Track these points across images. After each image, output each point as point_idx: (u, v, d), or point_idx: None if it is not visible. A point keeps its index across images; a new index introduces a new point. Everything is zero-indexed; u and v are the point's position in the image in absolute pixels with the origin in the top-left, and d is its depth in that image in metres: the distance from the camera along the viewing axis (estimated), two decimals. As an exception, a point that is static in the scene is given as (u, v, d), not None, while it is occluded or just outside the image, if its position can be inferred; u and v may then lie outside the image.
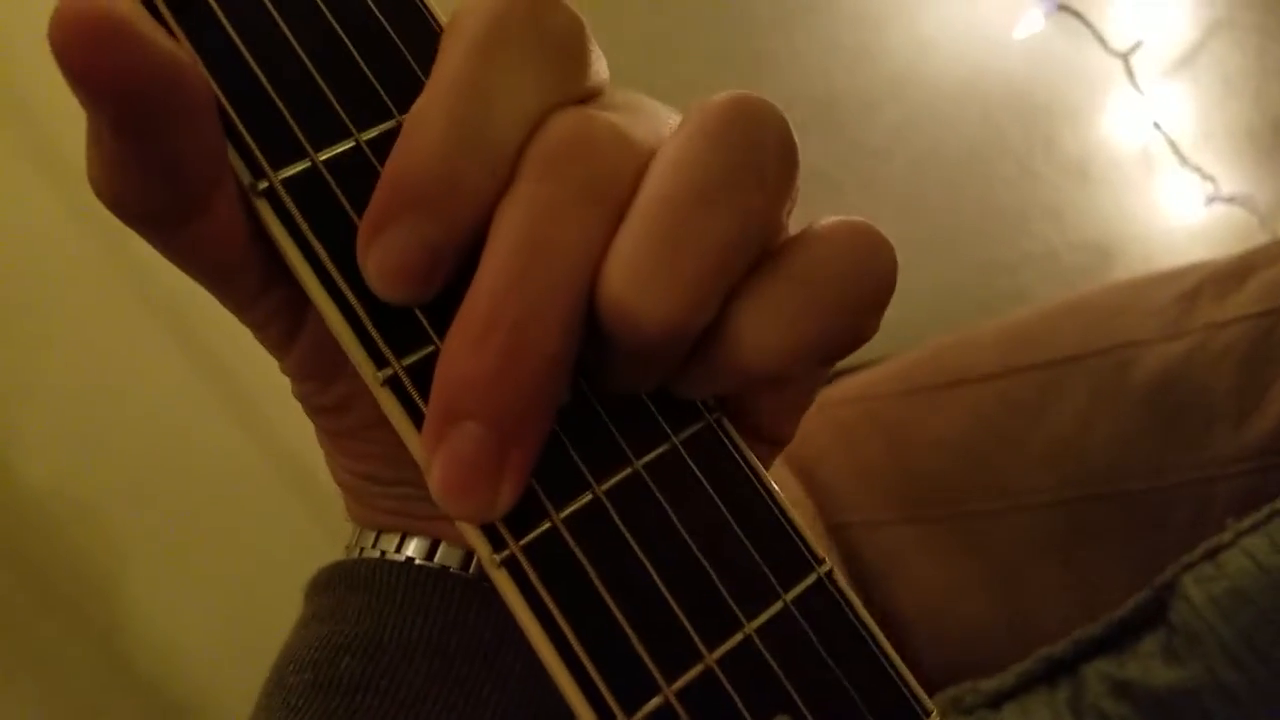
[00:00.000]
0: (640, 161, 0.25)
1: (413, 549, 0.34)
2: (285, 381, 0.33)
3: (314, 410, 0.34)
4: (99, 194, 0.26)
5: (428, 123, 0.24)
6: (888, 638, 0.27)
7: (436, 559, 0.34)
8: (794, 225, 0.27)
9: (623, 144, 0.25)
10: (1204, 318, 0.75)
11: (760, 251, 0.25)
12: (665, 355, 0.25)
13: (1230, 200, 1.08)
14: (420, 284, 0.24)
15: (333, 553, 0.36)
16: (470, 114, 0.24)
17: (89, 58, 0.22)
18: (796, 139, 0.26)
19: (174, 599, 0.97)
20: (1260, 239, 1.07)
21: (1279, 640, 0.57)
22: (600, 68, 0.27)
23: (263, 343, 0.32)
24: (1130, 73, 1.07)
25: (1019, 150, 1.16)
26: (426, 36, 0.27)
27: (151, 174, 0.25)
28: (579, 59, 0.26)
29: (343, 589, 0.35)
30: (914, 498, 0.80)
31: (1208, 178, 1.09)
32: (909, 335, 0.75)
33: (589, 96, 0.27)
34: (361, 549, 0.35)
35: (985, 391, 0.80)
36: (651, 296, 0.23)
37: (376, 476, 0.34)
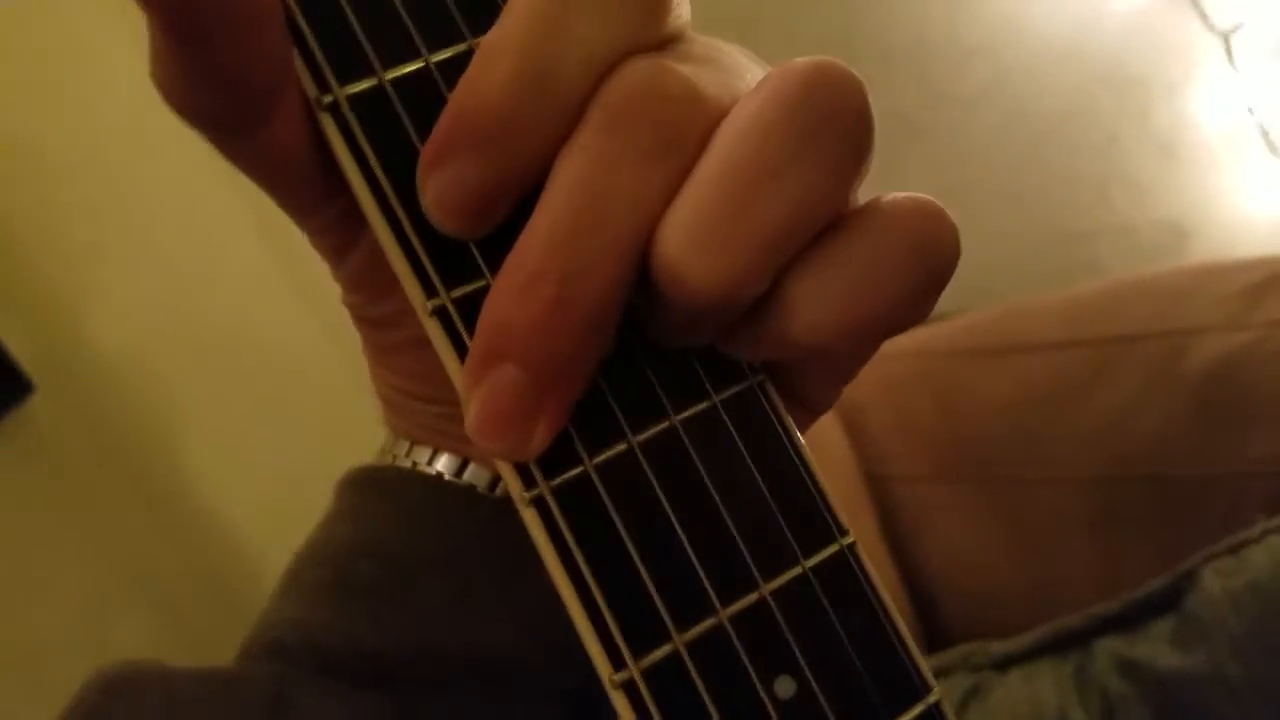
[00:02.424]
0: (711, 120, 0.24)
1: (442, 464, 0.34)
2: None
3: (362, 321, 0.34)
4: (163, 92, 0.26)
5: (498, 57, 0.23)
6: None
7: (465, 477, 0.34)
8: (873, 170, 0.26)
9: (695, 100, 0.24)
10: (1267, 314, 0.74)
11: (824, 224, 0.24)
12: (715, 318, 0.25)
13: (1316, 194, 1.06)
14: (475, 220, 0.24)
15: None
16: (543, 53, 0.23)
17: None
18: (873, 112, 0.24)
19: (230, 473, 1.00)
20: (1340, 238, 1.06)
21: (1288, 640, 0.58)
22: (683, 10, 0.26)
23: (318, 249, 0.32)
24: (1229, 53, 1.05)
25: (1108, 119, 1.14)
26: None
27: (211, 79, 0.25)
28: (660, 1, 0.25)
29: (370, 493, 0.35)
30: (955, 458, 0.81)
31: (1296, 168, 1.07)
32: (976, 294, 0.75)
33: (668, 41, 0.25)
34: (394, 456, 0.35)
35: (1039, 362, 0.80)
36: (706, 263, 0.23)
37: (416, 393, 0.34)
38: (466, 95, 0.24)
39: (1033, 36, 1.13)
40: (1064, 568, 0.77)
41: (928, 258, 0.25)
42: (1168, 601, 0.63)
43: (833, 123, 0.24)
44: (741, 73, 0.26)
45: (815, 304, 0.24)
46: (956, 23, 1.16)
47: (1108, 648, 0.64)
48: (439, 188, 0.23)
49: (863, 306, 0.24)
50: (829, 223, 0.24)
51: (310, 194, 0.29)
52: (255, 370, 1.02)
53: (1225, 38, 1.05)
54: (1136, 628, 0.63)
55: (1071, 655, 0.65)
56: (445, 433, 0.34)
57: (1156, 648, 0.61)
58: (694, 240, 0.23)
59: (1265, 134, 1.06)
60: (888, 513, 0.82)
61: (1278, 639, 0.58)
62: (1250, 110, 1.06)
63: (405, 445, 0.35)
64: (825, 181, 0.24)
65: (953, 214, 0.25)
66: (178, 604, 0.96)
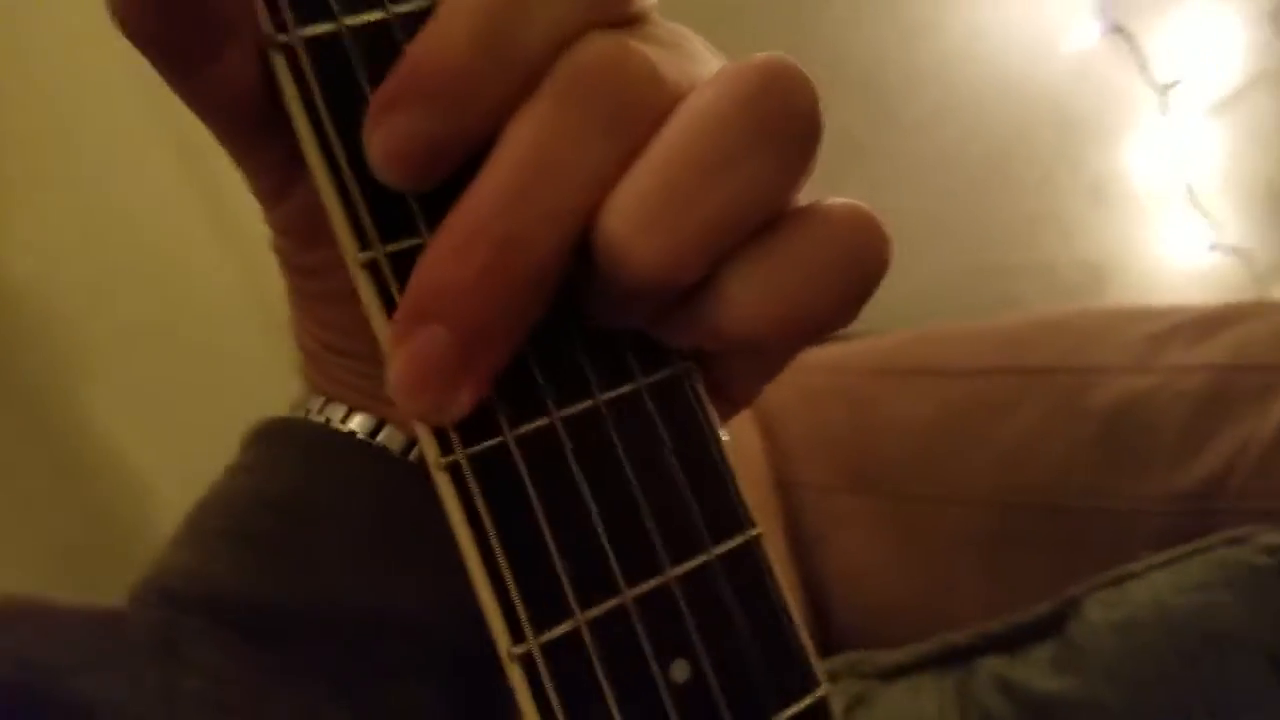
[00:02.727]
0: (667, 103, 0.24)
1: (356, 423, 0.34)
2: None
3: (290, 268, 0.33)
4: (113, 14, 0.25)
5: (461, 14, 0.23)
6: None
7: (379, 439, 0.34)
8: (811, 183, 0.27)
9: (653, 81, 0.24)
10: (1171, 359, 0.77)
11: (764, 220, 0.25)
12: (649, 300, 0.25)
13: (1231, 251, 1.10)
14: (418, 172, 0.23)
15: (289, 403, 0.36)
16: (506, 15, 0.23)
17: None
18: (823, 117, 0.25)
19: (133, 414, 0.98)
20: (1250, 294, 1.09)
21: (1159, 674, 0.60)
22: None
23: (253, 191, 0.31)
24: (1166, 107, 1.08)
25: (1044, 158, 1.17)
26: None
27: (170, 5, 0.25)
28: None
29: (279, 445, 0.35)
30: (864, 472, 0.83)
31: (1215, 224, 1.11)
32: (900, 316, 0.76)
33: (633, 20, 0.26)
34: (307, 410, 0.35)
35: (952, 386, 0.82)
36: (647, 243, 0.24)
37: (338, 346, 0.34)
38: (424, 48, 0.23)
39: (981, 71, 1.16)
40: (956, 586, 0.79)
41: (860, 263, 0.25)
42: (1051, 627, 0.65)
43: (784, 121, 0.24)
44: (702, 61, 0.26)
45: (748, 296, 0.25)
46: (910, 49, 1.19)
47: (990, 666, 0.66)
48: (386, 135, 0.23)
49: (794, 304, 0.25)
50: (770, 218, 0.25)
51: (252, 134, 0.28)
52: (168, 316, 1.00)
53: (1163, 91, 1.08)
54: (1019, 649, 0.66)
55: (955, 671, 0.67)
56: (363, 391, 0.34)
57: (1035, 670, 0.64)
58: (638, 218, 0.23)
59: (1190, 189, 1.10)
60: (793, 519, 0.83)
61: (1149, 672, 0.61)
62: (1179, 163, 1.10)
63: (319, 400, 0.35)
64: (771, 177, 0.24)
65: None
66: (72, 549, 0.94)
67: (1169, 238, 1.14)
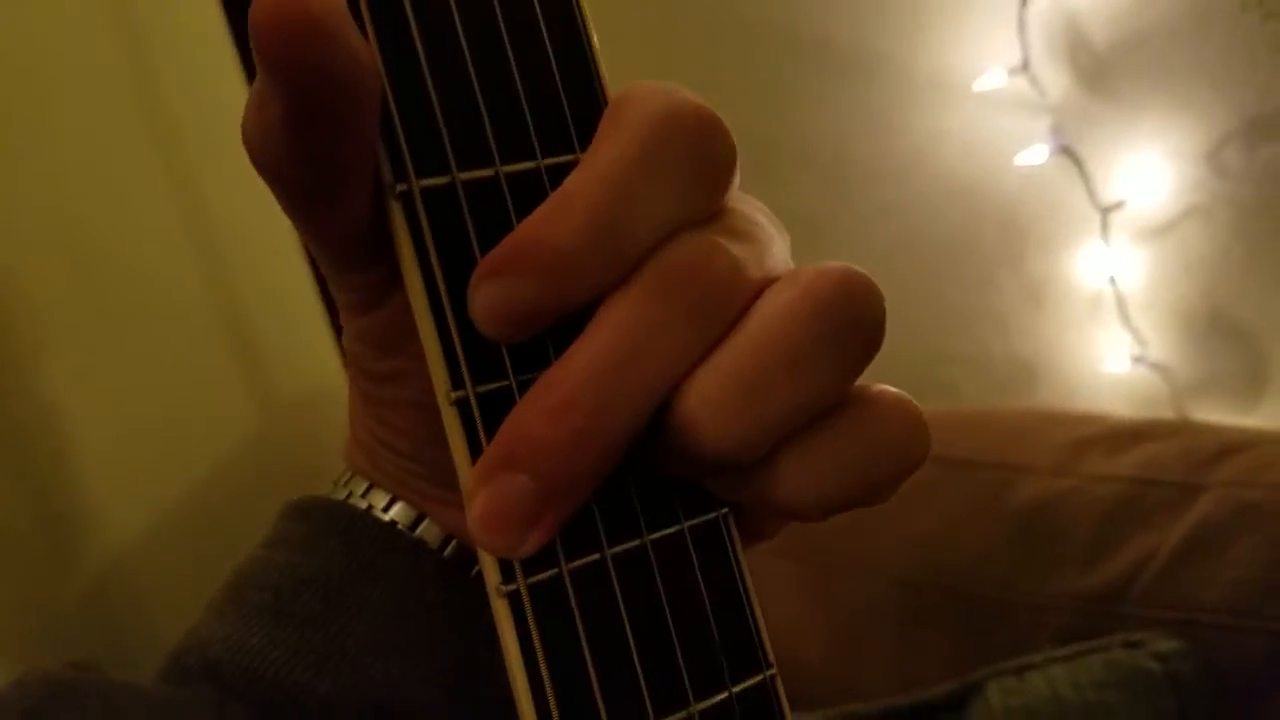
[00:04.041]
0: (748, 297, 0.26)
1: (397, 513, 0.36)
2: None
3: (360, 372, 0.35)
4: (249, 146, 0.27)
5: (576, 205, 0.25)
6: None
7: (418, 532, 0.36)
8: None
9: (737, 279, 0.26)
10: (1089, 467, 0.81)
11: (825, 409, 0.27)
12: (711, 469, 0.27)
13: (1153, 366, 1.15)
14: (516, 331, 0.25)
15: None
16: (616, 213, 0.25)
17: (285, 47, 0.23)
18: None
19: (89, 406, 0.97)
20: (1165, 411, 1.14)
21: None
22: (735, 186, 0.28)
23: (339, 301, 0.33)
24: (1105, 226, 1.13)
25: (989, 259, 1.22)
26: (588, 93, 0.28)
27: (304, 152, 0.26)
28: (724, 187, 0.27)
29: (322, 525, 0.37)
30: (795, 538, 0.86)
31: (1141, 340, 1.15)
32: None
33: (719, 213, 0.28)
34: (349, 493, 0.37)
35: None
36: (718, 426, 0.25)
37: (392, 445, 0.35)
38: (536, 229, 0.25)
39: (938, 173, 1.21)
40: (869, 659, 0.82)
41: (904, 454, 0.27)
42: (953, 706, 0.68)
43: (854, 328, 0.26)
44: (773, 249, 0.28)
45: (802, 479, 0.27)
46: (873, 144, 1.23)
47: (893, 738, 0.69)
48: (492, 295, 0.25)
49: (841, 486, 0.27)
50: (829, 408, 0.27)
51: (354, 259, 0.30)
52: (132, 312, 1.00)
53: (1105, 213, 1.13)
54: (922, 725, 0.69)
55: (861, 739, 0.70)
56: (408, 486, 0.36)
57: (936, 746, 0.67)
58: (714, 404, 0.25)
59: (1121, 303, 1.15)
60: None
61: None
62: (1113, 280, 1.15)
63: (363, 485, 0.37)
64: (837, 376, 0.26)
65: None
66: (14, 536, 0.94)
67: (1098, 348, 1.19)
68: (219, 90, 1.01)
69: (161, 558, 0.97)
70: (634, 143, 0.26)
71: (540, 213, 0.26)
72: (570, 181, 0.26)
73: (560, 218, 0.25)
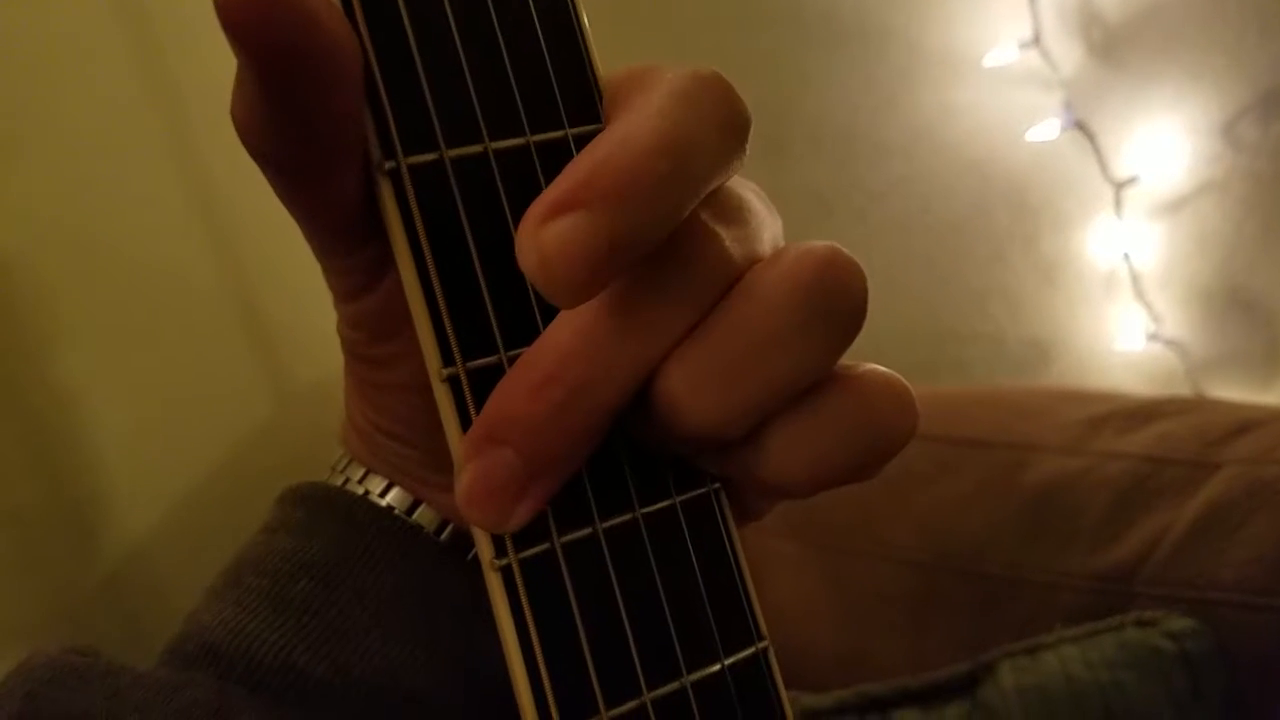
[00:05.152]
0: (732, 277, 0.27)
1: (394, 498, 0.36)
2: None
3: (355, 357, 0.35)
4: (236, 127, 0.27)
5: (637, 136, 0.24)
6: None
7: (414, 516, 0.36)
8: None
9: (722, 260, 0.27)
10: (1102, 445, 0.81)
11: (808, 386, 0.27)
12: (696, 445, 0.27)
13: (1168, 343, 1.14)
14: (591, 278, 0.24)
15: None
16: (676, 143, 0.25)
17: (241, 13, 0.23)
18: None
19: (104, 394, 0.98)
20: (1180, 387, 1.14)
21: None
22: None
23: (331, 285, 0.33)
24: (1119, 202, 1.12)
25: (1000, 237, 1.21)
26: (578, 70, 0.28)
27: (288, 130, 0.26)
28: (744, 146, 0.27)
29: (319, 511, 0.37)
30: (802, 521, 0.86)
31: (1156, 317, 1.14)
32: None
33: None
34: (346, 479, 0.37)
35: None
36: (698, 404, 0.26)
37: (388, 430, 0.35)
38: (605, 159, 0.24)
39: (948, 148, 1.19)
40: (878, 639, 0.82)
41: (889, 430, 0.27)
42: (965, 686, 0.68)
43: (836, 307, 0.26)
44: (762, 230, 0.29)
45: (786, 453, 0.27)
46: (883, 121, 1.22)
47: (904, 719, 0.69)
48: (563, 231, 0.23)
49: (826, 462, 0.27)
50: (812, 385, 0.27)
51: (346, 242, 0.30)
52: (147, 301, 1.00)
53: (1118, 188, 1.12)
54: (933, 705, 0.68)
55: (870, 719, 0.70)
56: (405, 471, 0.36)
57: (947, 726, 0.67)
58: (697, 382, 0.26)
59: (1135, 280, 1.14)
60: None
61: (1053, 738, 0.64)
62: (1127, 256, 1.14)
63: (360, 470, 0.37)
64: (819, 354, 0.27)
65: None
66: (32, 522, 0.94)
67: (1111, 325, 1.18)
68: (229, 79, 1.00)
69: (178, 544, 0.98)
70: (670, 94, 0.26)
71: (599, 146, 0.25)
72: (618, 125, 0.25)
73: (624, 149, 0.24)
